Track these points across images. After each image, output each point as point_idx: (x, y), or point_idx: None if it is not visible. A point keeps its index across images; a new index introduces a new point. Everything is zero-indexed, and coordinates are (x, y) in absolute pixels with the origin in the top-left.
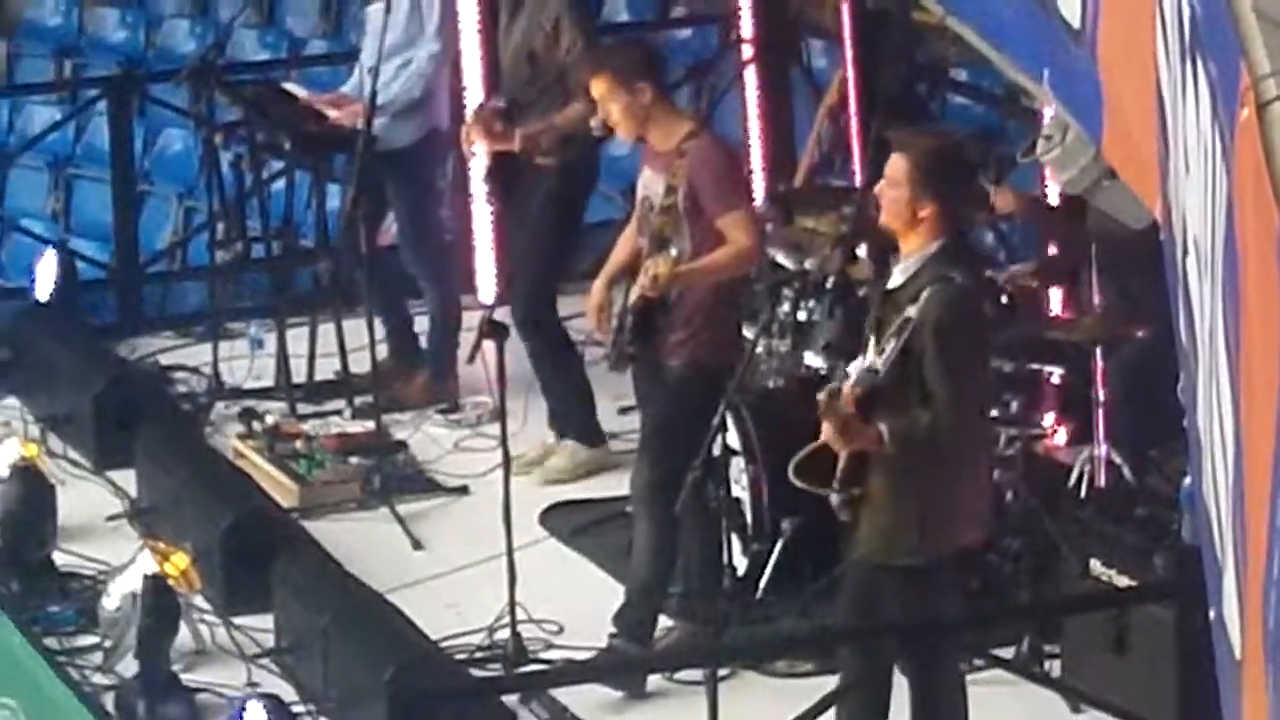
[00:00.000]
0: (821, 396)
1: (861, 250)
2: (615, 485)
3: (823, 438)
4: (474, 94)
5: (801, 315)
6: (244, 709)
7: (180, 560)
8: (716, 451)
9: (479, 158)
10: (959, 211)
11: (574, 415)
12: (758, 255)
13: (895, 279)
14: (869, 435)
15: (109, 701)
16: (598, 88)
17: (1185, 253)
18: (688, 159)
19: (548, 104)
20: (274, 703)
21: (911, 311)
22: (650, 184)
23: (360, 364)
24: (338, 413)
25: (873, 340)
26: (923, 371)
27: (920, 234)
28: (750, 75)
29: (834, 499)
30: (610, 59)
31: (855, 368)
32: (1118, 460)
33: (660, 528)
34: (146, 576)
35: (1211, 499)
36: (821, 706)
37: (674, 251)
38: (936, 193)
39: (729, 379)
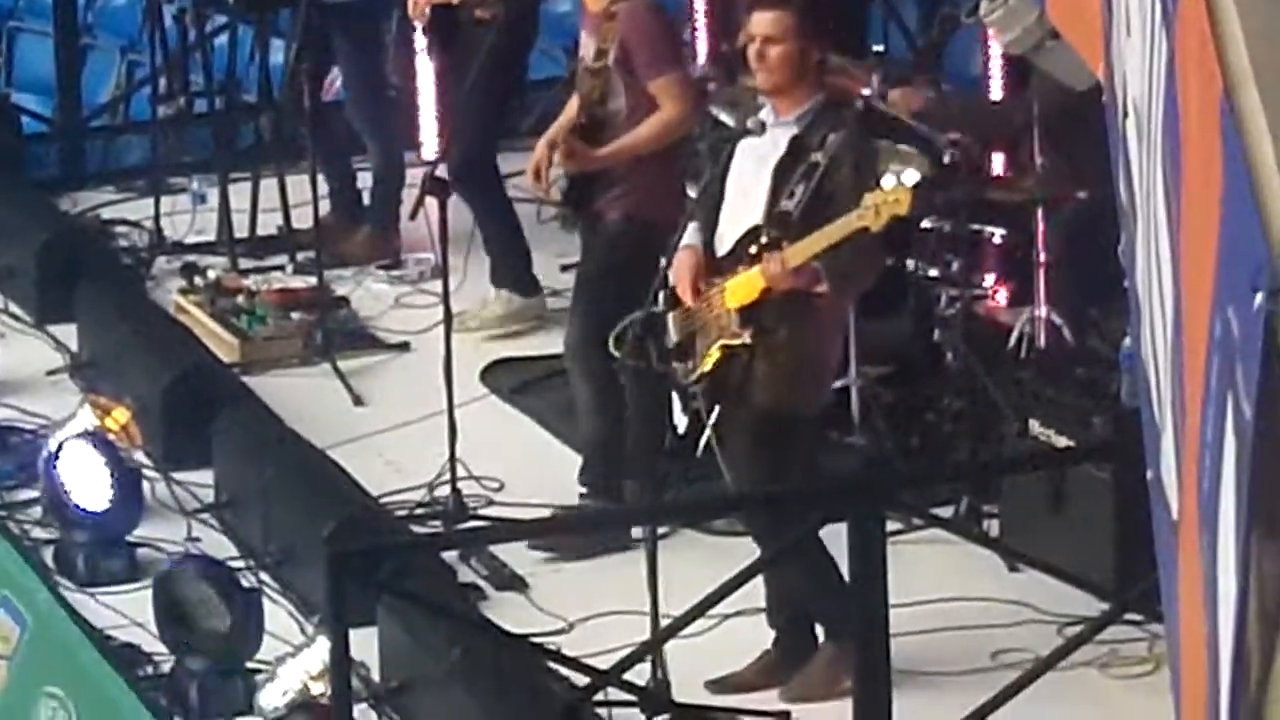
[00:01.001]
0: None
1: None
2: (556, 343)
3: (759, 282)
4: None
5: None
6: None
7: (120, 415)
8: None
9: (422, 11)
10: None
11: (508, 266)
12: (689, 121)
13: (790, 130)
14: (807, 274)
15: (48, 555)
16: None
17: (1125, 115)
18: (618, 21)
19: None
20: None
21: (817, 157)
22: (585, 45)
23: (303, 220)
24: (280, 268)
25: (764, 189)
26: (837, 211)
27: (809, 84)
28: None
29: (686, 366)
30: None
31: (692, 233)
32: (1058, 321)
33: (598, 383)
34: (92, 435)
35: (1150, 360)
36: (757, 565)
37: (611, 107)
38: (819, 36)
39: (668, 234)
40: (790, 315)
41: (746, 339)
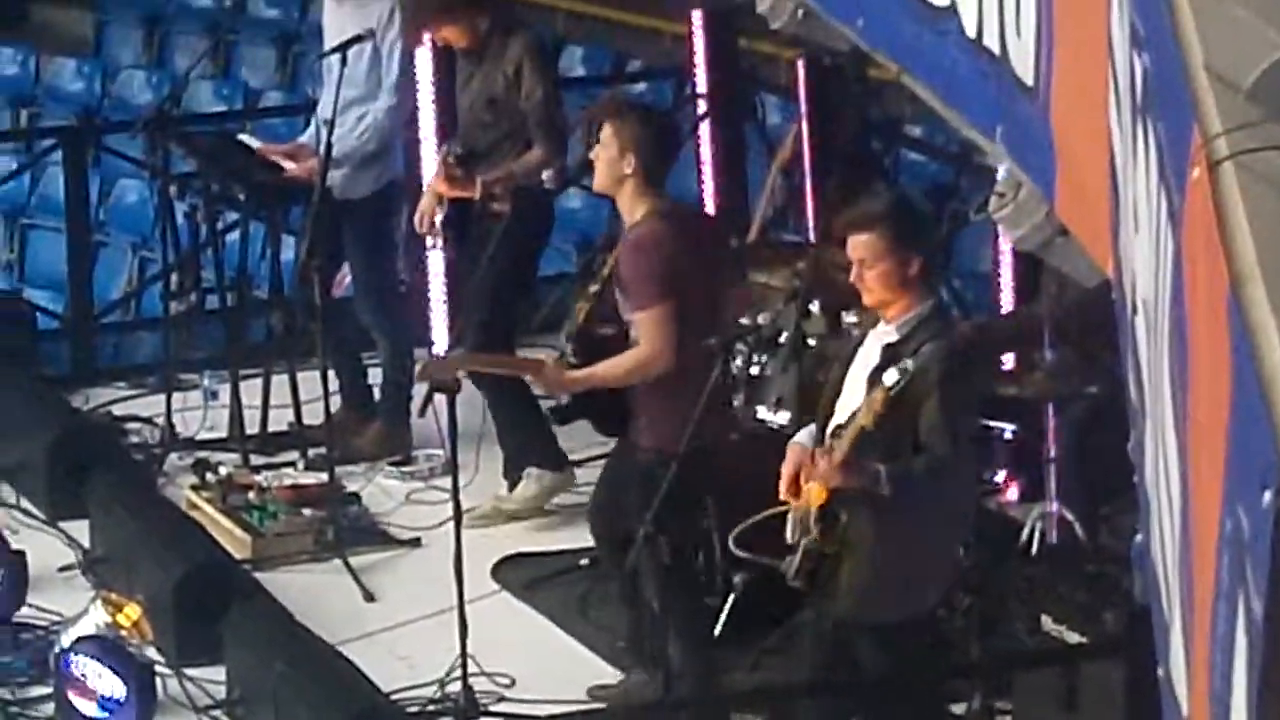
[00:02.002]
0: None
1: (815, 306)
2: (569, 539)
3: (814, 481)
4: (429, 147)
5: (754, 370)
6: None
7: (132, 611)
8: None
9: (430, 224)
10: (936, 262)
11: (534, 444)
12: (660, 360)
13: (889, 335)
14: (867, 473)
15: None
16: (607, 129)
17: (1134, 311)
18: (623, 246)
19: (506, 150)
20: None
21: (909, 364)
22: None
23: (314, 415)
24: (291, 464)
25: (860, 394)
26: (917, 423)
27: (913, 293)
28: (705, 130)
29: (789, 563)
30: (624, 112)
31: (805, 434)
32: (1069, 517)
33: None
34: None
35: (1159, 557)
36: None
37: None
38: (914, 248)
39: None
40: (863, 518)
41: (817, 538)
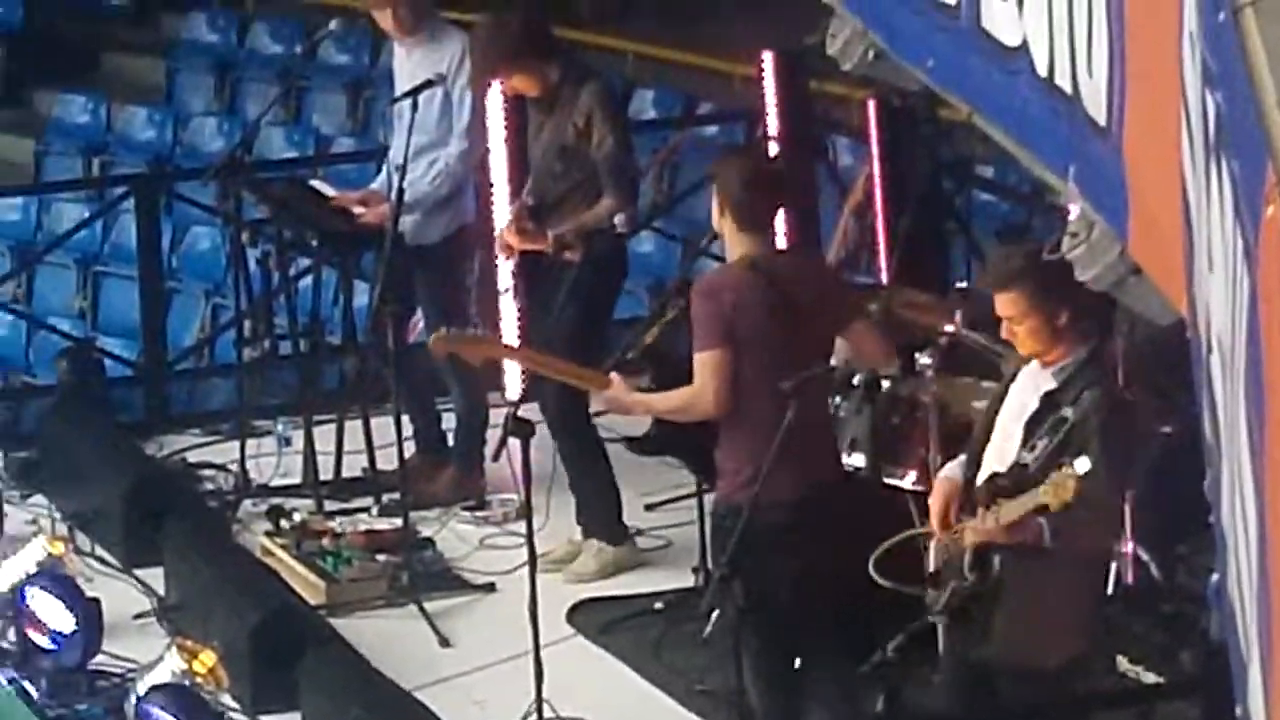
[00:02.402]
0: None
1: None
2: (643, 582)
3: (978, 531)
4: (501, 192)
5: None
6: None
7: (208, 658)
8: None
9: (511, 254)
10: (1087, 307)
11: (599, 514)
12: (705, 404)
13: (1048, 383)
14: (1031, 530)
15: None
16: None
17: (1209, 350)
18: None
19: (578, 200)
20: None
21: (1069, 413)
22: None
23: (387, 461)
24: (365, 510)
25: (1017, 438)
26: None
27: (1067, 341)
28: None
29: (935, 597)
30: (719, 165)
31: (955, 466)
32: (1145, 557)
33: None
34: (176, 686)
35: (1236, 595)
36: None
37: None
38: (1060, 299)
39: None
40: (1019, 563)
41: (972, 580)
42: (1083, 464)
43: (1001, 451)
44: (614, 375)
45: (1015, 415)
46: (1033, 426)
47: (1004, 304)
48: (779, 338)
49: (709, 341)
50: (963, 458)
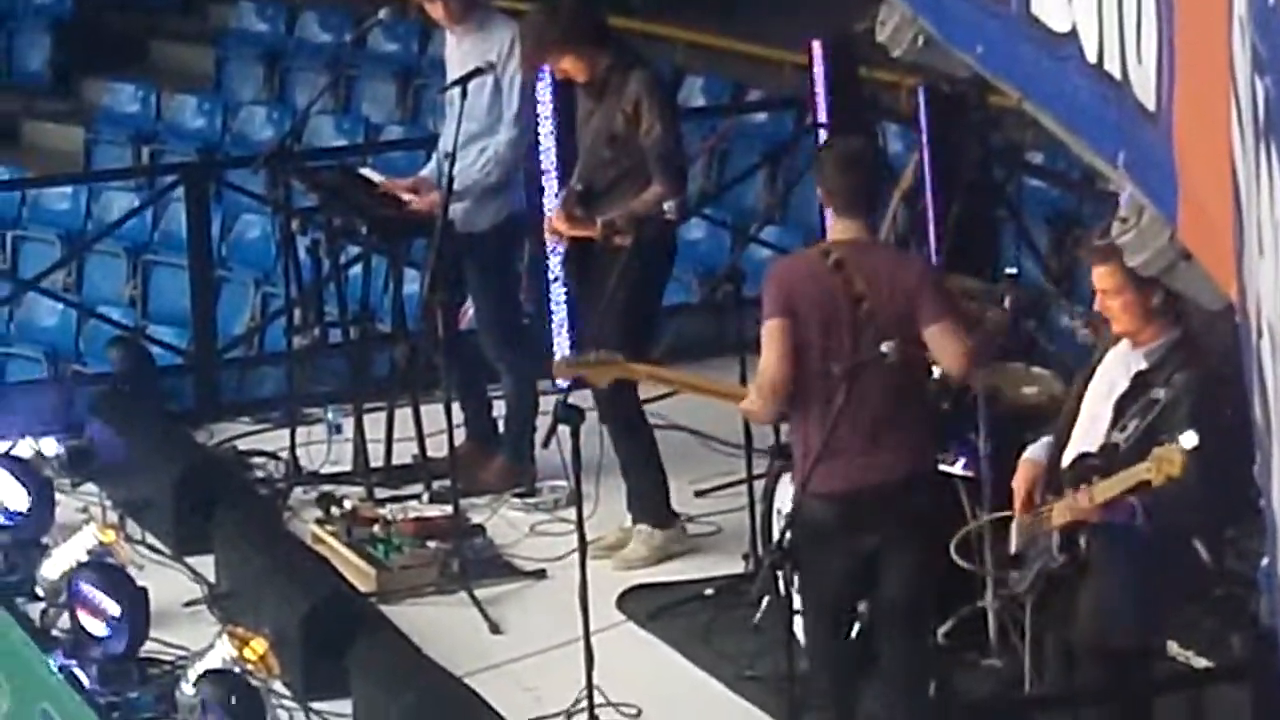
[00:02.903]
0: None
1: None
2: (693, 568)
3: (1067, 511)
4: (550, 179)
5: None
6: None
7: (259, 646)
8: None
9: (559, 242)
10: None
11: (649, 500)
12: (773, 372)
13: (1139, 363)
14: (1123, 509)
15: None
16: None
17: (1260, 335)
18: None
19: (626, 187)
20: None
21: (1160, 394)
22: None
23: (438, 448)
24: (415, 497)
25: (1107, 418)
26: None
27: (1159, 322)
28: None
29: (1021, 577)
30: (818, 156)
31: (1039, 448)
32: (1195, 541)
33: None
34: (226, 673)
35: None
36: None
37: None
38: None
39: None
40: (1106, 543)
41: (1062, 562)
42: (1189, 439)
43: (1089, 432)
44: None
45: (1104, 396)
46: (1123, 407)
47: (1101, 277)
48: (839, 325)
49: (769, 313)
50: (1047, 439)
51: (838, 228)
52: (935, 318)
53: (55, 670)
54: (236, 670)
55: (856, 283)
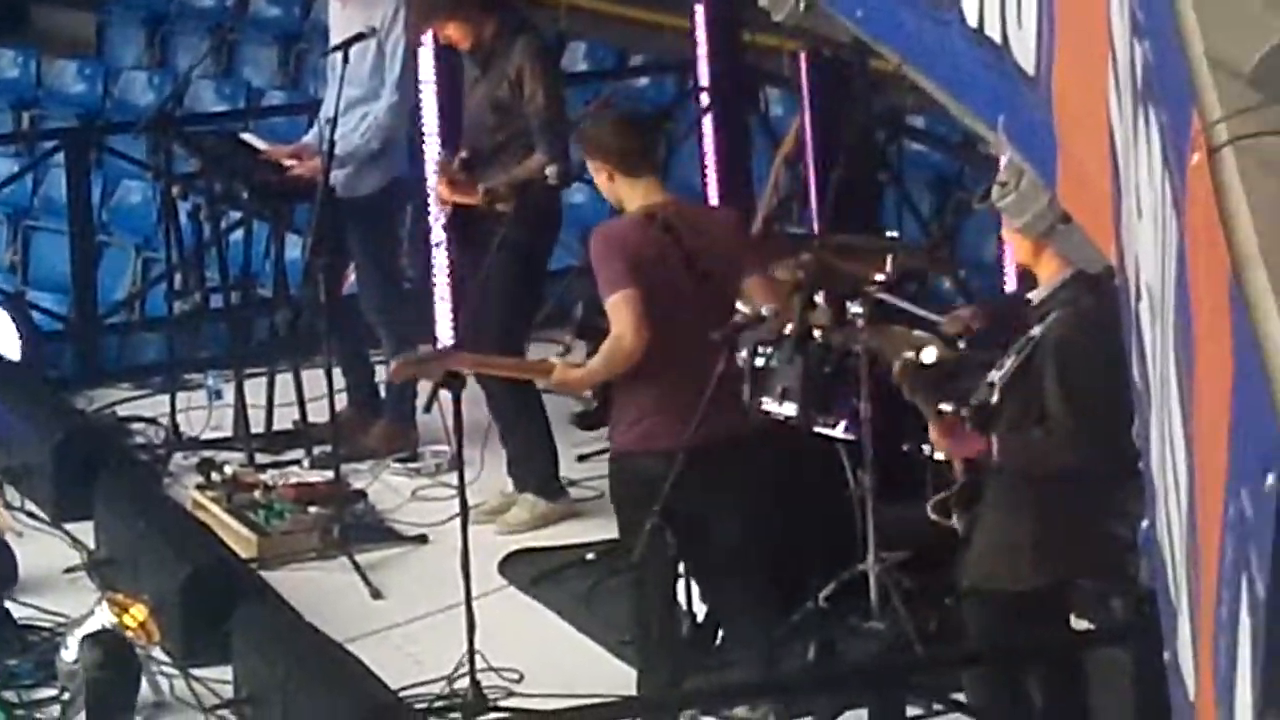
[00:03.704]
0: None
1: (819, 297)
2: (575, 533)
3: (934, 442)
4: (432, 145)
5: (760, 362)
6: None
7: (139, 612)
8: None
9: (443, 208)
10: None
11: (534, 467)
12: (630, 340)
13: (1031, 300)
14: (974, 442)
15: None
16: (587, 159)
17: (1138, 297)
18: (592, 238)
19: (511, 153)
20: None
21: (1036, 330)
22: None
23: (319, 414)
24: (296, 463)
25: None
26: (1041, 391)
27: (1049, 262)
28: (708, 124)
29: (955, 520)
30: (587, 135)
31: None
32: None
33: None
34: (102, 632)
35: (1166, 542)
36: None
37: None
38: None
39: (656, 459)
40: (992, 488)
41: (951, 508)
42: (929, 354)
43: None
44: (552, 359)
45: None
46: (1008, 344)
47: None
48: (676, 287)
49: (617, 283)
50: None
51: (641, 189)
52: (756, 266)
53: None
54: (116, 635)
55: (686, 242)
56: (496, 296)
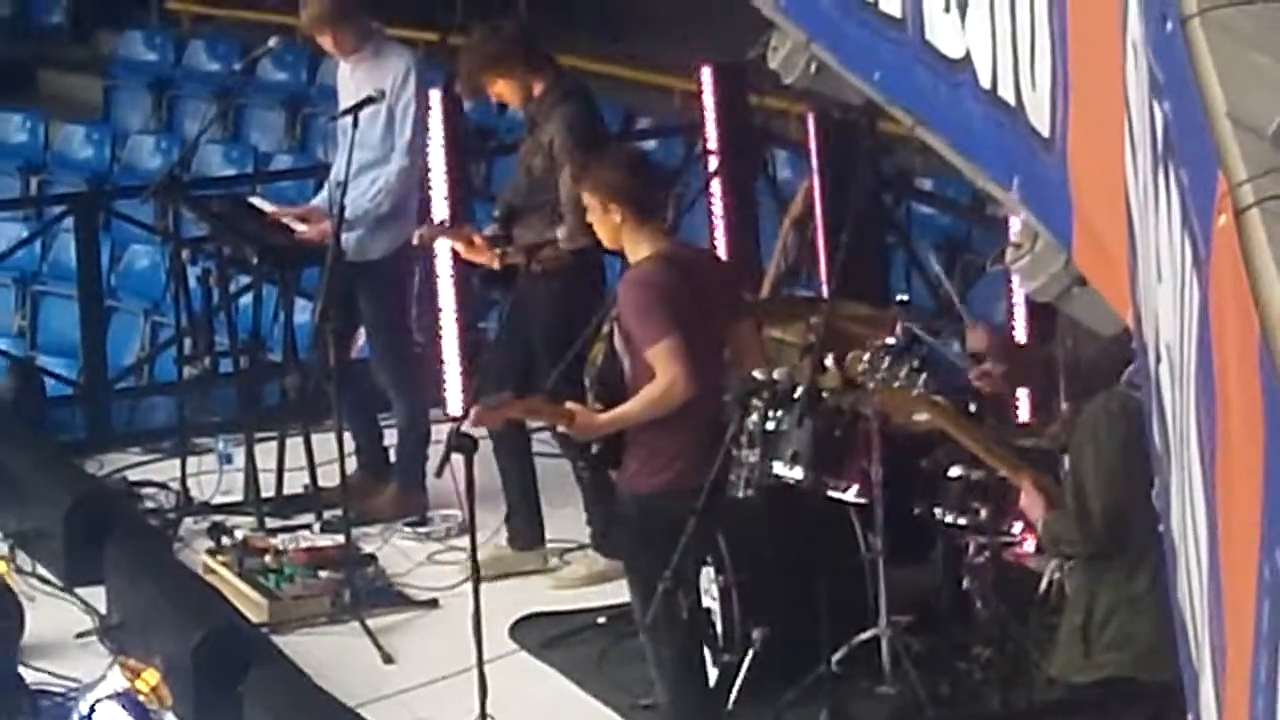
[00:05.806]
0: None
1: (829, 360)
2: (585, 598)
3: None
4: (439, 209)
5: (770, 425)
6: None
7: (150, 677)
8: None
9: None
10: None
11: (518, 519)
12: (683, 386)
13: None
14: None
15: None
16: (584, 194)
17: (1158, 359)
18: (621, 286)
19: (539, 217)
20: None
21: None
22: None
23: (329, 478)
24: (307, 527)
25: None
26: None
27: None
28: (716, 186)
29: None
30: (588, 169)
31: None
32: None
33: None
34: (118, 699)
35: (1186, 604)
36: None
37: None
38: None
39: (683, 500)
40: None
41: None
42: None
43: None
44: (571, 405)
45: None
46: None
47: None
48: (700, 332)
49: (662, 329)
50: None
51: (648, 232)
52: (748, 313)
53: None
54: (129, 700)
55: (693, 283)
56: (529, 370)
